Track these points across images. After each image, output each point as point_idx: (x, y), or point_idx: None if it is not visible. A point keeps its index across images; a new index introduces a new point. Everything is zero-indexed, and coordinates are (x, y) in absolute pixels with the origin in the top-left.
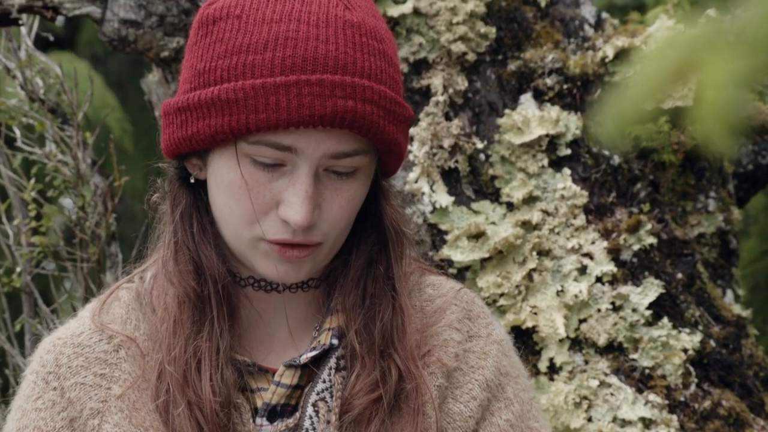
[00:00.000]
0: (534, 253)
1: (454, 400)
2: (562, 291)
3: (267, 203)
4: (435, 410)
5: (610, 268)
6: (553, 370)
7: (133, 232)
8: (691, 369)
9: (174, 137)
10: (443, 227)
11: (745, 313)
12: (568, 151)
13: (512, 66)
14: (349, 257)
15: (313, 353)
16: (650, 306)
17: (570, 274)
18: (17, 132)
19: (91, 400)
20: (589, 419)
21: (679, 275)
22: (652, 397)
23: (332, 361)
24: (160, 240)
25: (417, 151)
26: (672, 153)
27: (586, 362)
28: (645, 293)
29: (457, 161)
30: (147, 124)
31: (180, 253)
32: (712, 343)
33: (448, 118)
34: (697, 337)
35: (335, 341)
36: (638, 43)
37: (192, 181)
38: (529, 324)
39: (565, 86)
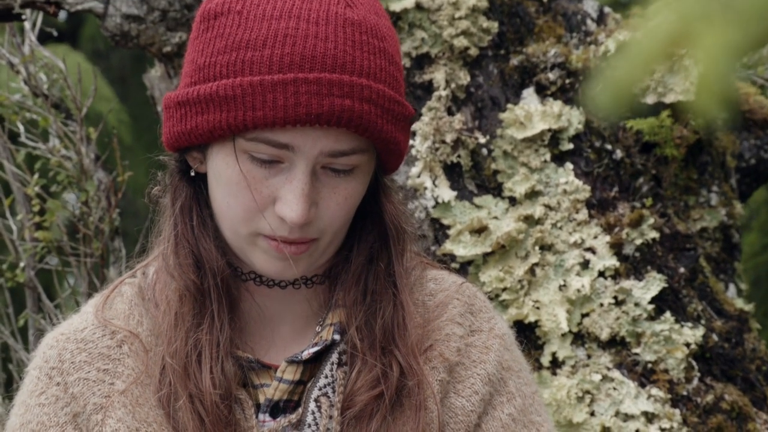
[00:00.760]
0: (536, 248)
1: (456, 394)
2: (564, 285)
3: (264, 200)
4: (437, 405)
5: (612, 262)
6: (555, 364)
7: (136, 227)
8: (694, 363)
9: (174, 131)
10: (446, 222)
11: (748, 307)
12: (571, 146)
13: (514, 61)
14: (350, 254)
15: (315, 349)
16: (653, 300)
17: (572, 268)
18: (21, 127)
19: (95, 395)
20: (592, 413)
21: (682, 269)
22: (654, 391)
23: (334, 357)
24: (161, 233)
25: (419, 145)
26: (674, 147)
27: (589, 356)
28: (647, 287)
29: (459, 156)
30: (150, 120)
31: (180, 246)
32: (715, 337)
33: (450, 112)
34: (700, 332)
35: (337, 337)
36: (639, 32)
37: (192, 174)
38: (532, 318)
39: (567, 81)
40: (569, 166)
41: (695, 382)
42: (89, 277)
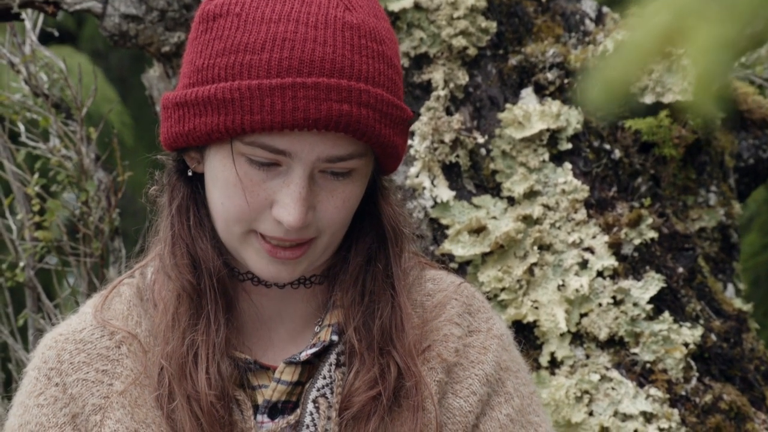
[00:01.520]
0: (535, 248)
1: (453, 395)
2: (563, 285)
3: (261, 202)
4: (434, 405)
5: (611, 262)
6: (554, 364)
7: (136, 227)
8: (692, 363)
9: (172, 131)
10: (444, 222)
11: (746, 307)
12: (569, 146)
13: (513, 60)
14: (348, 254)
15: (313, 350)
16: (651, 300)
17: (571, 268)
18: (21, 127)
19: (93, 396)
20: (591, 413)
21: (680, 269)
22: (653, 391)
23: (332, 357)
24: (159, 233)
25: (418, 145)
26: (673, 147)
27: (587, 356)
28: (646, 287)
29: (458, 156)
30: (149, 120)
31: (177, 246)
32: (713, 337)
33: (449, 112)
34: (698, 331)
35: (335, 337)
36: (633, 26)
37: (190, 174)
38: (531, 318)
39: (565, 80)
40: (568, 165)
41: (694, 381)
42: (89, 277)
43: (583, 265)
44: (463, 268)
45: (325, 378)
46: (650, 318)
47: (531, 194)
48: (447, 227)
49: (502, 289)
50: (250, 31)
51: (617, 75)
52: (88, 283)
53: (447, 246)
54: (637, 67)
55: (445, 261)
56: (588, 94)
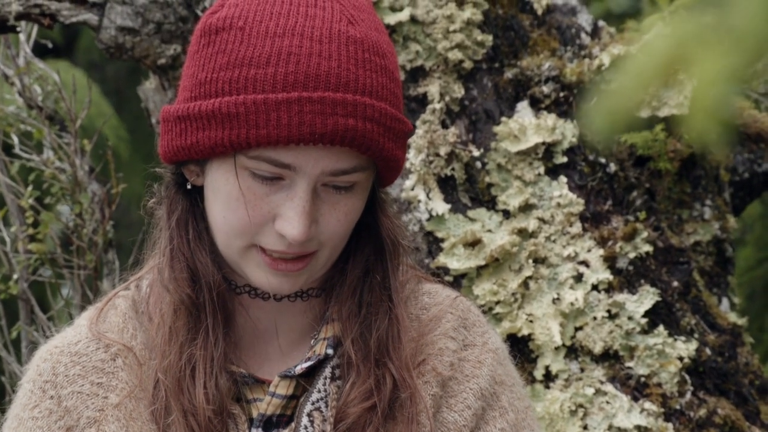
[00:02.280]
0: (530, 261)
1: (448, 409)
2: (558, 299)
3: (263, 216)
4: (429, 419)
5: (606, 275)
6: (548, 377)
7: (130, 239)
8: (687, 377)
9: (172, 145)
10: (439, 235)
11: (741, 321)
12: (565, 159)
13: (509, 74)
14: (346, 266)
15: (308, 363)
16: (646, 314)
17: (566, 281)
18: (15, 139)
19: (88, 409)
20: (585, 427)
21: (675, 283)
22: (647, 405)
23: (327, 371)
24: (156, 246)
25: (413, 158)
26: (668, 161)
27: (582, 370)
28: (641, 301)
29: (453, 169)
30: (145, 132)
31: (175, 260)
32: (708, 351)
33: (444, 125)
34: (693, 345)
35: (330, 351)
36: (634, 51)
37: (189, 187)
38: (525, 332)
39: (561, 94)
40: (563, 179)
41: (688, 395)
42: (83, 289)
43: (578, 278)
44: (458, 281)
45: (320, 391)
46: (645, 332)
47: (526, 207)
48: (442, 240)
49: (497, 303)
50: (255, 45)
51: (618, 102)
52: (82, 296)
53: (442, 259)
54: (638, 94)
55: (440, 274)
56: (590, 117)
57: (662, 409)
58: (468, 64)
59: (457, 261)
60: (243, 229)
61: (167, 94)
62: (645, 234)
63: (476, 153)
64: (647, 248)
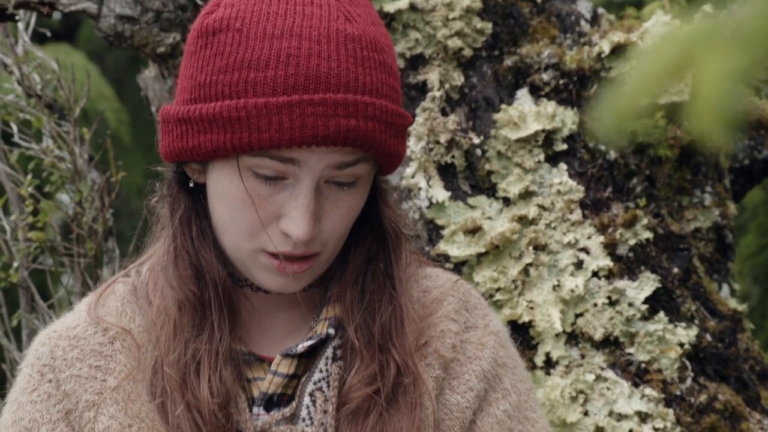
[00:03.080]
0: (530, 248)
1: (451, 391)
2: (558, 286)
3: (269, 216)
4: (432, 402)
5: (606, 262)
6: (549, 364)
7: (131, 227)
8: (687, 363)
9: (174, 146)
10: (440, 222)
11: (741, 308)
12: (565, 147)
13: (508, 61)
14: (347, 255)
15: (310, 342)
16: (646, 300)
17: (566, 268)
18: (14, 128)
19: (87, 392)
20: (586, 413)
21: (675, 270)
22: (648, 391)
23: (329, 351)
24: (158, 241)
25: (414, 146)
26: (668, 148)
27: (583, 356)
28: (641, 288)
29: (453, 156)
30: (146, 122)
31: (179, 258)
32: (708, 337)
33: (444, 113)
34: (693, 332)
35: (332, 331)
36: (634, 38)
37: (191, 185)
38: (526, 318)
39: (561, 81)
40: (563, 166)
41: (689, 381)
42: (83, 277)
43: (579, 265)
44: (459, 268)
45: (321, 371)
46: (645, 318)
47: (526, 195)
48: (442, 228)
49: (498, 290)
50: (253, 48)
51: (626, 105)
52: (82, 284)
53: (442, 246)
54: (645, 98)
55: (440, 261)
56: (596, 123)
57: (663, 395)
58: (468, 52)
59: (457, 248)
60: (251, 230)
61: (167, 83)
62: (645, 221)
63: (476, 140)
64: (647, 235)
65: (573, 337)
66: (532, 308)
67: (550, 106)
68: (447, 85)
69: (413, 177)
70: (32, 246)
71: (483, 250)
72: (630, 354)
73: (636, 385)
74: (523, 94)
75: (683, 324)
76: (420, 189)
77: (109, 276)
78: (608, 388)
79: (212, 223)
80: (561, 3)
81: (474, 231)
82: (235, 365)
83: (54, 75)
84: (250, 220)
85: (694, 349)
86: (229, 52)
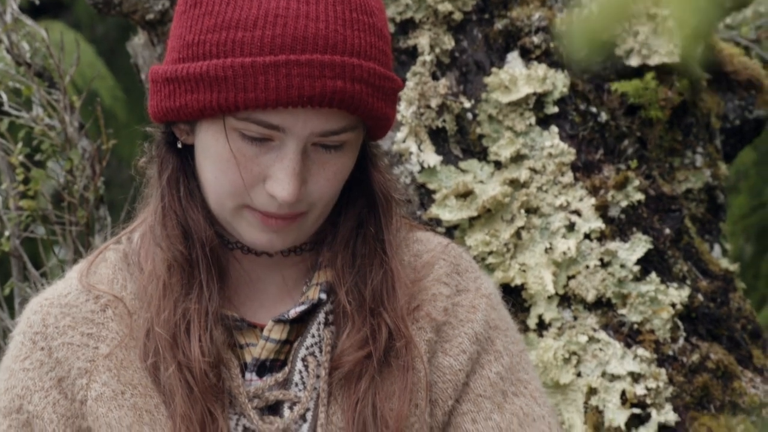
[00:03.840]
0: (522, 211)
1: (443, 353)
2: (550, 248)
3: (254, 177)
4: (424, 365)
5: (598, 224)
6: (542, 326)
7: (121, 195)
8: (680, 323)
9: (161, 106)
10: (431, 186)
11: (733, 267)
12: (556, 109)
13: (499, 25)
14: (338, 219)
15: (302, 308)
16: (638, 261)
17: (558, 231)
18: (4, 96)
19: (79, 359)
20: (579, 374)
21: (667, 231)
22: (640, 351)
23: (321, 316)
24: (148, 203)
25: (404, 111)
26: (659, 109)
27: (575, 318)
28: (633, 249)
29: (444, 121)
30: (138, 91)
31: (167, 218)
32: (700, 297)
33: (435, 77)
34: (685, 292)
35: (323, 296)
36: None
37: (179, 146)
38: (518, 281)
39: (551, 44)
40: (554, 129)
41: (681, 341)
42: (75, 245)
43: (570, 227)
44: (451, 232)
45: (314, 336)
46: (637, 279)
47: (518, 158)
48: (434, 192)
49: (490, 253)
50: (242, 7)
51: (599, 30)
52: (74, 252)
53: (434, 210)
54: (620, 23)
55: (432, 225)
56: (571, 52)
57: (655, 355)
58: (458, 16)
59: (449, 212)
60: (235, 190)
61: (156, 50)
62: (636, 182)
63: (467, 104)
64: (639, 196)
65: (565, 299)
66: (524, 271)
67: (540, 69)
68: (437, 50)
69: (404, 142)
70: (24, 215)
71: (475, 213)
72: (622, 315)
73: (628, 345)
74: (513, 58)
75: (675, 284)
76: (411, 153)
77: (101, 243)
78: (601, 349)
79: (200, 184)
80: None
81: (465, 195)
82: (225, 326)
83: (43, 43)
84: (235, 180)
85: (686, 309)
86: (218, 12)
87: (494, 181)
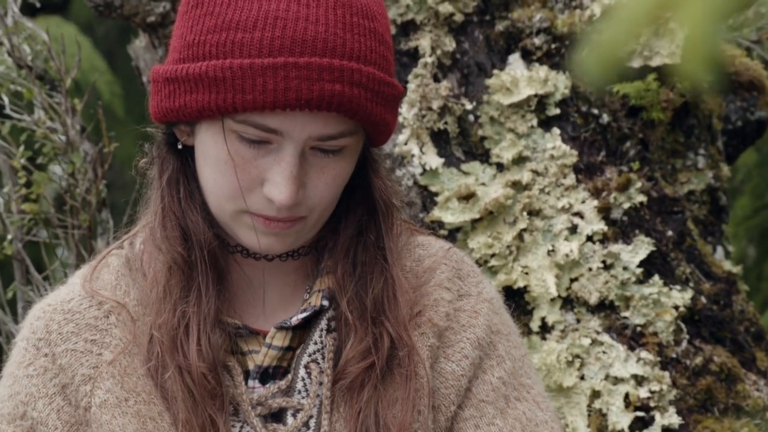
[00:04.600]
0: (524, 213)
1: (446, 359)
2: (552, 250)
3: (252, 180)
4: (426, 371)
5: (600, 226)
6: (545, 329)
7: (125, 198)
8: (683, 326)
9: (162, 106)
10: (433, 189)
11: (736, 269)
12: (557, 111)
13: (500, 26)
14: (338, 225)
15: (304, 315)
16: (641, 264)
17: (561, 233)
18: (5, 99)
19: (83, 366)
20: (582, 377)
21: (670, 233)
22: (644, 354)
23: (323, 323)
24: (149, 205)
25: (406, 113)
26: (661, 111)
27: (578, 321)
28: (636, 251)
29: (446, 123)
30: (139, 93)
31: (167, 219)
32: (703, 299)
33: (436, 79)
34: (688, 294)
35: (326, 303)
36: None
37: (180, 147)
38: (521, 284)
39: (553, 46)
40: (556, 131)
41: (684, 344)
42: (77, 249)
43: (573, 230)
44: (453, 234)
45: (316, 343)
46: (640, 282)
47: (520, 160)
48: (436, 194)
49: (492, 255)
50: (242, 9)
51: (608, 44)
52: (77, 255)
53: (436, 213)
54: (628, 36)
55: (434, 228)
56: (581, 66)
57: (658, 358)
58: (459, 17)
59: (451, 215)
60: (233, 193)
61: (157, 53)
62: (639, 184)
63: (469, 106)
64: (641, 198)
65: (568, 302)
66: (527, 273)
67: (542, 71)
68: (438, 51)
69: (406, 144)
70: (26, 218)
71: (477, 216)
72: (625, 318)
73: (632, 348)
74: (515, 59)
75: (678, 287)
76: (413, 156)
77: (104, 247)
78: (604, 352)
79: (200, 186)
80: None
81: (468, 197)
82: (226, 332)
83: (44, 46)
84: (234, 183)
85: (690, 312)
86: (219, 12)
87: (496, 184)
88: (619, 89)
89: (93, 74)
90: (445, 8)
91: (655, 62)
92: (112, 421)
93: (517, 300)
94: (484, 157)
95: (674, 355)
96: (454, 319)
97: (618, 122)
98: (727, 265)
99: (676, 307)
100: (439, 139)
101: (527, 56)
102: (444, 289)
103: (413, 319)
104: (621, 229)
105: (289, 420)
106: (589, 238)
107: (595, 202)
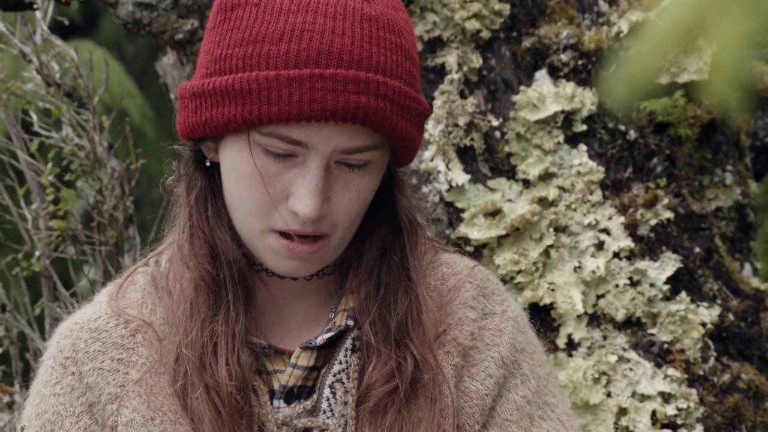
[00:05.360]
0: (551, 230)
1: (470, 378)
2: (579, 267)
3: (278, 194)
4: (450, 390)
5: (627, 243)
6: (571, 346)
7: (152, 215)
8: (710, 343)
9: (188, 121)
10: (459, 205)
11: (764, 287)
12: (584, 127)
13: (527, 43)
14: (362, 246)
15: (329, 334)
16: (668, 280)
17: (587, 250)
18: (34, 116)
19: (109, 385)
20: (608, 394)
21: (697, 249)
22: (671, 371)
23: (348, 343)
24: (175, 223)
25: (432, 129)
26: (688, 127)
27: (605, 338)
28: (662, 268)
29: (472, 139)
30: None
31: (195, 237)
32: (731, 316)
33: (463, 96)
34: (716, 311)
35: (350, 322)
36: (653, 17)
37: (207, 164)
38: (547, 300)
39: (579, 62)
40: (583, 147)
41: (711, 361)
42: (104, 265)
43: (600, 246)
44: (479, 251)
45: (341, 363)
46: (667, 298)
47: (546, 176)
48: (462, 211)
49: (519, 272)
50: (269, 22)
51: (637, 69)
52: (104, 272)
53: (463, 229)
54: (657, 61)
55: (460, 244)
56: (608, 82)
57: (686, 375)
58: (485, 34)
59: (477, 231)
60: (259, 208)
61: (185, 69)
62: (666, 201)
63: (495, 122)
64: (668, 215)
65: (595, 319)
66: (553, 290)
67: (569, 87)
68: (465, 68)
69: (432, 160)
70: (54, 235)
71: (503, 232)
72: (652, 334)
73: (659, 365)
74: (541, 76)
75: (705, 304)
76: (439, 172)
77: (131, 264)
78: (631, 369)
79: (227, 204)
80: None
81: (494, 213)
82: (252, 351)
83: (72, 64)
84: (260, 198)
85: (717, 329)
86: (245, 26)
87: (523, 200)
88: (646, 105)
89: (120, 91)
90: (472, 25)
91: (683, 79)
92: None
93: (543, 317)
94: (511, 173)
95: (701, 373)
96: (478, 338)
97: (645, 138)
98: (755, 282)
99: (704, 324)
100: (466, 155)
101: (554, 72)
102: (469, 307)
103: (438, 337)
104: (648, 246)
105: None
106: (616, 255)
107: (622, 219)
